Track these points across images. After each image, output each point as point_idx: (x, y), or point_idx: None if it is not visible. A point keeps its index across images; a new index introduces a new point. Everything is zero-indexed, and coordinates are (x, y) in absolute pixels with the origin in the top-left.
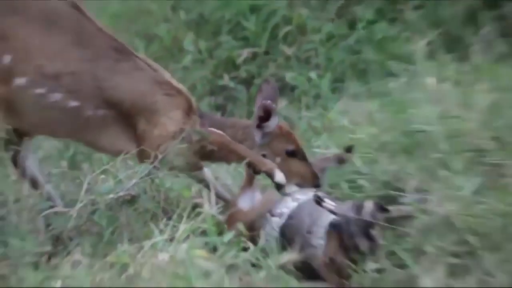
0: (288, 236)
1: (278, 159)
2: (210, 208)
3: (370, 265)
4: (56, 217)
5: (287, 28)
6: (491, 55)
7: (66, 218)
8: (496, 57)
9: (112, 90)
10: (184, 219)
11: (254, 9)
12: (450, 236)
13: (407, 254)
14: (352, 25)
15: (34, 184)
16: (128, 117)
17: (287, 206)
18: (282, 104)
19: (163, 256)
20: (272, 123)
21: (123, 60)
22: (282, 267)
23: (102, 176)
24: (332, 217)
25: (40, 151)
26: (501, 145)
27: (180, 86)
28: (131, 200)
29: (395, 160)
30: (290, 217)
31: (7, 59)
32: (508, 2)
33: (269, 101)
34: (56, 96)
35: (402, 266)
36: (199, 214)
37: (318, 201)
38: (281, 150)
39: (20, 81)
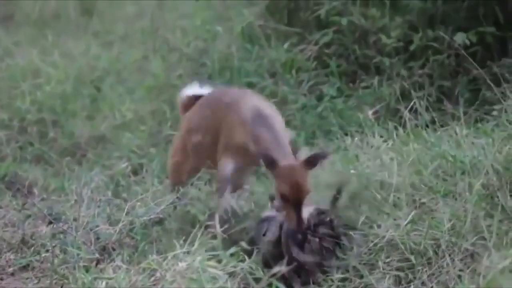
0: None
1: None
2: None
3: (336, 275)
4: (103, 233)
5: (274, 100)
6: (420, 122)
7: (110, 233)
8: (423, 124)
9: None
10: (199, 236)
11: (250, 85)
12: (395, 255)
13: (364, 267)
14: (320, 98)
15: None
16: None
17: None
18: None
19: (182, 264)
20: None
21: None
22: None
23: (138, 203)
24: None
25: (93, 183)
26: (429, 188)
27: None
28: (160, 221)
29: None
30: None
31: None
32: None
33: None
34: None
35: (360, 276)
36: (209, 233)
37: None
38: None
39: None
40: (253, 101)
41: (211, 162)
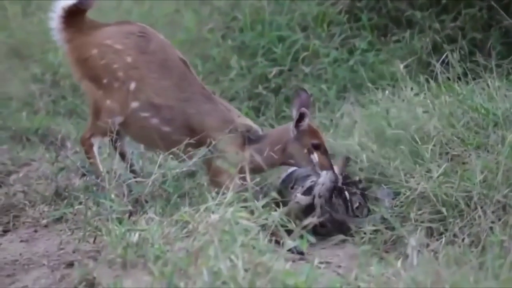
0: (282, 189)
1: (305, 151)
2: (248, 181)
3: (368, 227)
4: (136, 185)
5: (305, 53)
6: (451, 75)
7: (143, 186)
8: (454, 76)
9: (195, 123)
10: (230, 188)
11: (280, 39)
12: (427, 207)
13: (395, 219)
14: (351, 52)
15: (123, 157)
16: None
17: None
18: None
19: (214, 217)
20: (305, 123)
21: (207, 103)
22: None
23: (170, 156)
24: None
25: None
26: (461, 141)
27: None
28: (192, 174)
29: (382, 151)
30: (284, 178)
31: (133, 85)
32: (463, 39)
33: (304, 109)
34: (155, 121)
35: (391, 229)
36: (241, 185)
37: None
38: (308, 143)
39: (134, 104)
40: None
41: None
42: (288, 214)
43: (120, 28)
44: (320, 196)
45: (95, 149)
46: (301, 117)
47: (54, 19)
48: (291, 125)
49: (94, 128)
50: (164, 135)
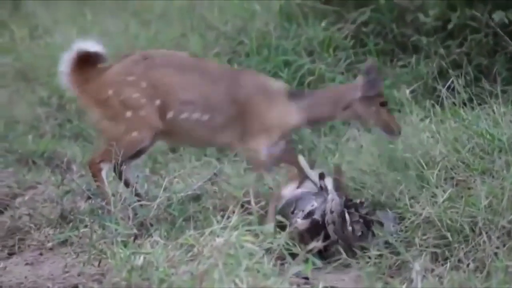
0: (283, 214)
1: (373, 108)
2: (254, 204)
3: (372, 251)
4: (141, 208)
5: (311, 78)
6: (457, 100)
7: (148, 209)
8: (460, 102)
9: (236, 93)
10: (236, 212)
11: (286, 64)
12: (432, 232)
13: (400, 244)
14: (356, 77)
15: (127, 184)
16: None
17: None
18: None
19: (219, 240)
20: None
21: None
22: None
23: (176, 179)
24: (311, 205)
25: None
26: (466, 166)
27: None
28: (197, 198)
29: (388, 176)
30: (287, 202)
31: (157, 102)
32: (469, 65)
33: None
34: (195, 116)
35: (396, 253)
36: (246, 209)
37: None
38: (376, 101)
39: (169, 115)
40: None
41: None
42: (293, 237)
43: (124, 61)
44: (332, 212)
45: (103, 173)
46: (369, 72)
47: (66, 62)
48: (358, 83)
49: (105, 155)
50: (209, 124)
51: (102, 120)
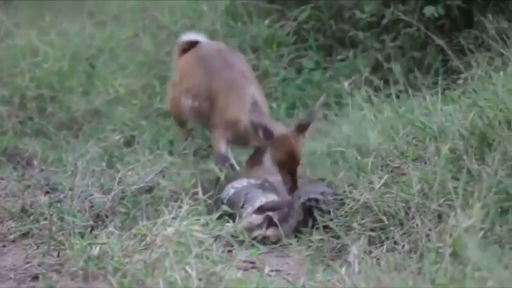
0: (231, 206)
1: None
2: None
3: (314, 236)
4: (97, 201)
5: (256, 73)
6: (392, 91)
7: (104, 202)
8: (395, 93)
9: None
10: (185, 202)
11: None
12: (369, 216)
13: (340, 228)
14: (299, 71)
15: None
16: None
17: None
18: None
19: (170, 229)
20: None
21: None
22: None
23: (129, 172)
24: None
25: (88, 155)
26: (400, 153)
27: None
28: (149, 190)
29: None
30: (233, 193)
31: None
32: (403, 57)
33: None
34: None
35: (336, 237)
36: (196, 199)
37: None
38: None
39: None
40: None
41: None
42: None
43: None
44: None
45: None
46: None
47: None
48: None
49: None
50: None
51: None
